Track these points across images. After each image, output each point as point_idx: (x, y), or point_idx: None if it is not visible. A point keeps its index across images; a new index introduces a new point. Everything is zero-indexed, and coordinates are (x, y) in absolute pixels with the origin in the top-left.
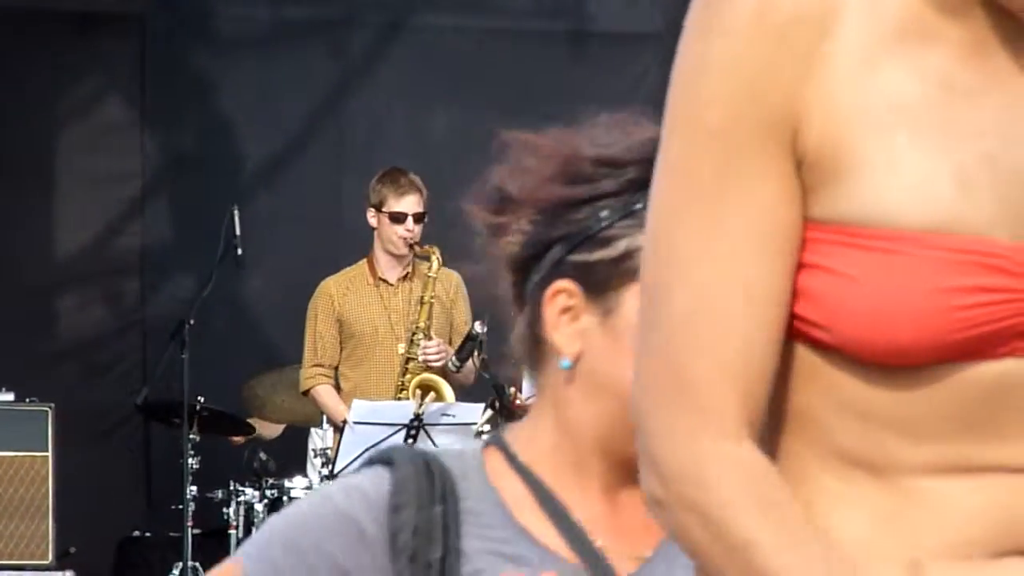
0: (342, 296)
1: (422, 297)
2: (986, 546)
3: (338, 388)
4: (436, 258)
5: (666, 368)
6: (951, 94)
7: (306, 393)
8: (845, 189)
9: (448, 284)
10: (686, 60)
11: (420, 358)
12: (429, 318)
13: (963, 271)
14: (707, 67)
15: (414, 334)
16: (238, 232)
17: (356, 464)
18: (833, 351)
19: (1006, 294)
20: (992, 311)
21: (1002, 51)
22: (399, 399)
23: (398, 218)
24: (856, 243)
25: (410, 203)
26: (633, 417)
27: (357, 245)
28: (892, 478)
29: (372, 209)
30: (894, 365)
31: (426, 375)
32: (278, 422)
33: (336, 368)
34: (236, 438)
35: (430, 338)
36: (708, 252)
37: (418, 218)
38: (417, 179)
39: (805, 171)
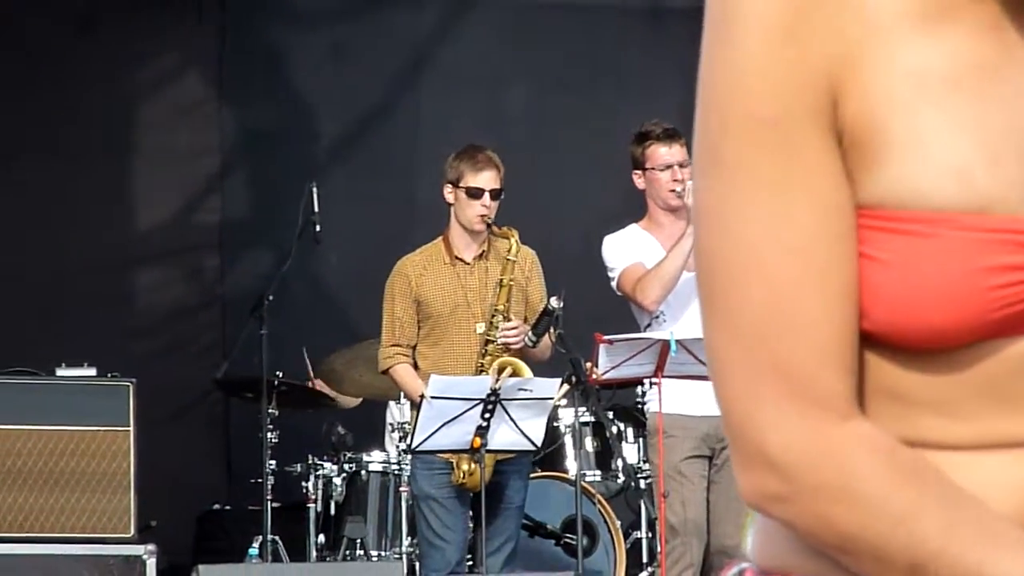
0: (419, 276)
1: (501, 280)
2: None
3: (416, 367)
4: (515, 241)
5: (763, 362)
6: (974, 72)
7: (385, 372)
8: (877, 171)
9: (523, 261)
10: (721, 50)
11: (499, 340)
12: (508, 300)
13: (997, 250)
14: (746, 57)
15: (493, 316)
16: (316, 208)
17: (432, 438)
18: (867, 336)
19: None
20: None
21: (1017, 26)
22: None
23: (475, 194)
24: (889, 227)
25: (487, 179)
26: (730, 416)
27: (432, 220)
28: (929, 457)
29: (449, 185)
30: (928, 348)
31: (505, 358)
32: (356, 396)
33: (414, 347)
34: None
35: (509, 319)
36: (781, 243)
37: (495, 194)
38: (494, 155)
39: (843, 154)
